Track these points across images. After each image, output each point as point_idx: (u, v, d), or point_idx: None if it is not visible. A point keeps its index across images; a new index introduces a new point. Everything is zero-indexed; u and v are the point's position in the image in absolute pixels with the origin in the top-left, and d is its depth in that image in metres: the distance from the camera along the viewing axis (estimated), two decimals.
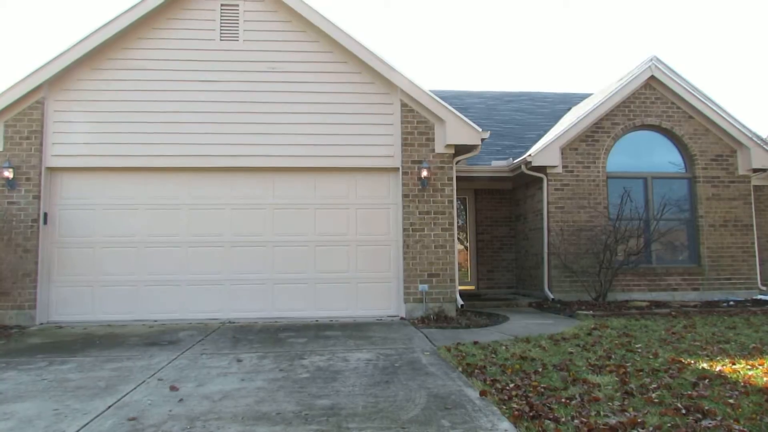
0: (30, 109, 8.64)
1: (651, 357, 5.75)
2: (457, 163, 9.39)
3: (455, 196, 9.21)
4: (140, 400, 4.31)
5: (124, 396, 4.44)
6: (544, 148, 10.87)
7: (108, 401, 4.29)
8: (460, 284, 9.74)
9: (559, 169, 10.97)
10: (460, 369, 5.24)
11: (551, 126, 13.58)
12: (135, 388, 4.67)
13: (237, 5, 9.10)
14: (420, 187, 8.98)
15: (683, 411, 3.89)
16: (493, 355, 5.86)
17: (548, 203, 10.97)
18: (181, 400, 4.32)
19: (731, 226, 11.25)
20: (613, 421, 3.69)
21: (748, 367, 5.27)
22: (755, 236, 11.33)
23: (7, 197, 8.50)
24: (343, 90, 9.13)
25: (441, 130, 9.05)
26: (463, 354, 5.92)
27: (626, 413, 3.87)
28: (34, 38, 48.63)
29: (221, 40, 9.07)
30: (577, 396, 4.29)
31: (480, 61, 52.59)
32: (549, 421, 3.70)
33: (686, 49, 49.61)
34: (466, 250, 13.28)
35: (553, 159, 10.86)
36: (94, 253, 8.77)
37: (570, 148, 11.05)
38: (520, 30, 51.77)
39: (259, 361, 5.71)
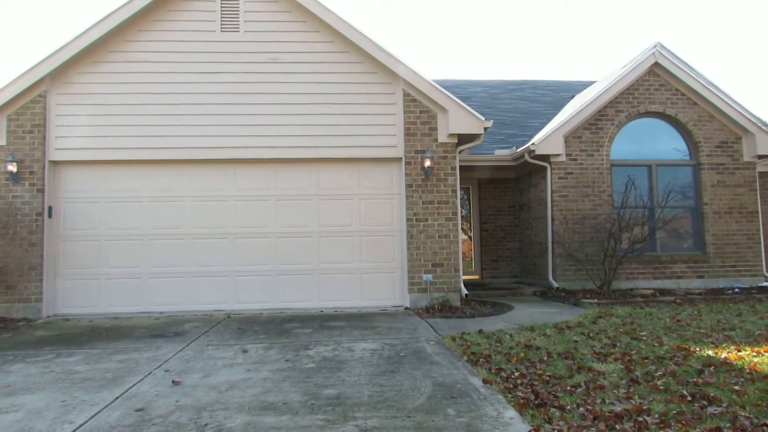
0: (32, 103, 8.63)
1: (656, 344, 5.75)
2: (460, 153, 9.36)
3: (459, 186, 9.18)
4: (147, 391, 4.34)
5: (132, 387, 4.47)
6: (547, 137, 10.82)
7: (115, 392, 4.32)
8: (464, 274, 9.74)
9: (563, 158, 10.92)
10: (465, 358, 5.25)
11: (554, 114, 13.51)
12: (142, 380, 4.69)
13: None
14: (423, 176, 8.96)
15: (689, 398, 3.89)
16: (498, 344, 5.86)
17: (552, 192, 10.94)
18: (187, 390, 4.34)
19: (736, 213, 11.20)
20: (618, 408, 3.69)
21: (754, 354, 5.26)
22: (760, 223, 11.28)
23: (11, 191, 8.52)
24: (345, 80, 9.09)
25: (444, 119, 9.02)
26: (468, 343, 5.93)
27: (632, 401, 3.88)
28: (35, 32, 48.54)
29: (222, 31, 9.03)
30: (582, 384, 4.29)
31: (482, 50, 52.29)
32: (554, 409, 3.70)
33: (690, 36, 49.22)
34: (470, 239, 13.27)
35: (557, 147, 10.81)
36: (99, 246, 8.80)
37: (573, 136, 11.00)
38: (523, 18, 51.41)
39: (264, 352, 5.73)
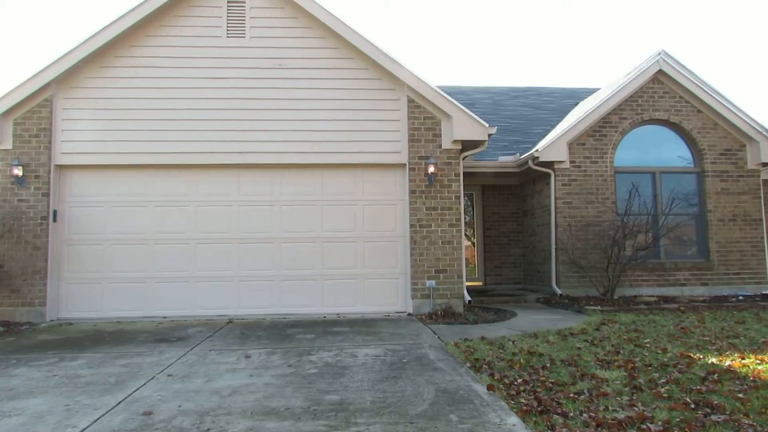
0: (38, 107, 8.69)
1: (659, 352, 5.73)
2: (463, 159, 9.37)
3: (462, 192, 9.19)
4: (150, 396, 4.35)
5: (135, 391, 4.47)
6: (551, 144, 10.83)
7: (118, 397, 4.33)
8: (467, 280, 9.73)
9: (567, 164, 10.93)
10: (467, 364, 5.24)
11: (558, 121, 13.53)
12: (145, 384, 4.70)
13: (244, 2, 9.11)
14: (427, 182, 8.97)
15: (692, 406, 3.88)
16: (501, 351, 5.85)
17: (556, 198, 10.93)
18: (190, 395, 4.35)
19: (740, 220, 11.17)
20: (621, 415, 3.68)
21: (758, 361, 5.24)
22: (764, 231, 11.24)
23: (16, 195, 8.56)
24: (349, 86, 9.13)
25: (448, 125, 9.04)
26: (471, 349, 5.92)
27: (635, 408, 3.87)
28: (42, 37, 48.88)
29: (228, 36, 9.08)
30: (585, 391, 4.28)
31: (486, 56, 52.38)
32: (557, 416, 3.70)
33: (695, 42, 49.23)
34: (474, 245, 13.27)
35: (561, 154, 10.82)
36: (103, 250, 8.83)
37: (577, 143, 11.00)
38: (527, 25, 51.51)
39: (267, 357, 5.74)
